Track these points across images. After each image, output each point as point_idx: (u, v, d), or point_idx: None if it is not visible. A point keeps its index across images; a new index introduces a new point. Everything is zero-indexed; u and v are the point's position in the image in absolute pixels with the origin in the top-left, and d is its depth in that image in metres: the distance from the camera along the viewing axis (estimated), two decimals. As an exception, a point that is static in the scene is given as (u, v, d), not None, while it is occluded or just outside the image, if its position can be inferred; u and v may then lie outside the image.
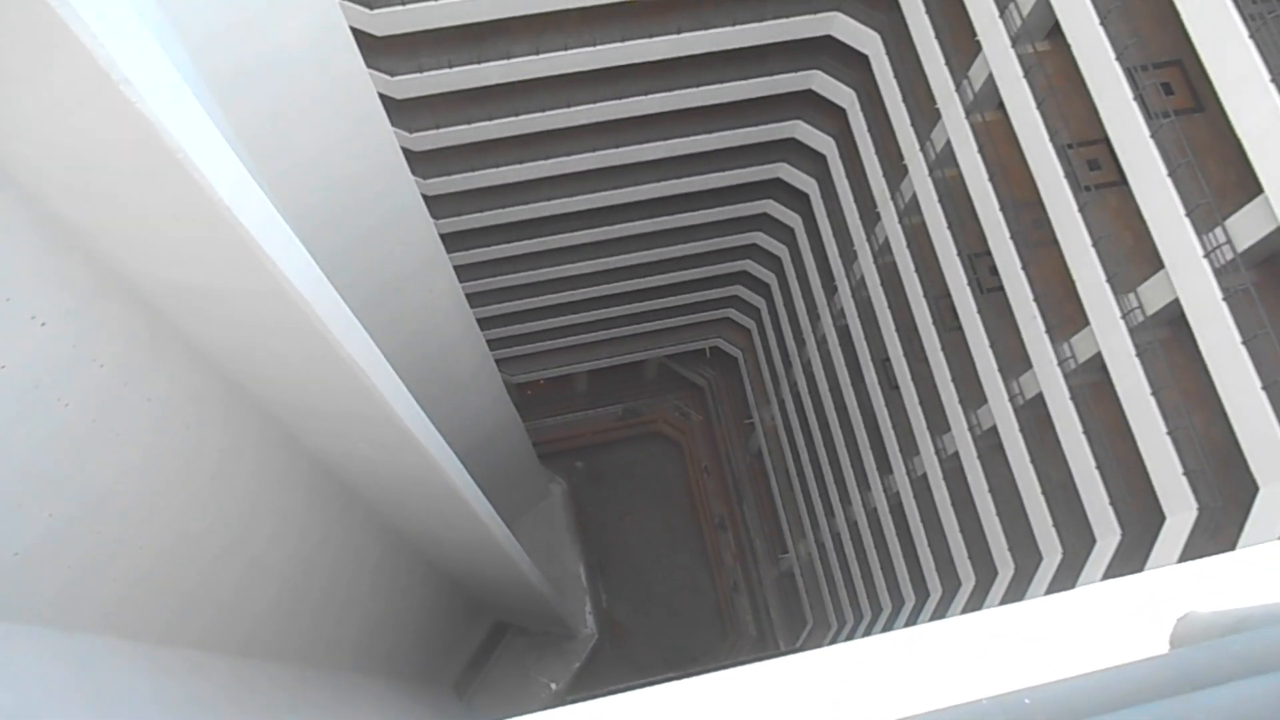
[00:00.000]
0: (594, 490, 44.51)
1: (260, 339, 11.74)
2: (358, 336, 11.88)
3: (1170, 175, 15.23)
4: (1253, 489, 14.41)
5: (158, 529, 12.27)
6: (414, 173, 23.83)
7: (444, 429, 16.41)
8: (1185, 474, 15.84)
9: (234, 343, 11.72)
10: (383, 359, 12.92)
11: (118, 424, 10.45)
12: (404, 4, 22.73)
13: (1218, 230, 14.76)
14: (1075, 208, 17.56)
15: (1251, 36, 13.38)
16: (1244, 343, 14.30)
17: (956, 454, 23.95)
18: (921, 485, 26.42)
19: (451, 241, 30.10)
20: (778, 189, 33.89)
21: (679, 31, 25.75)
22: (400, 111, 26.20)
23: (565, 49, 25.49)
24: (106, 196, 8.57)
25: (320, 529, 17.99)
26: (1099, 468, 18.21)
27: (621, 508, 44.20)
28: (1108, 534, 18.17)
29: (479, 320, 28.71)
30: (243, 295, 10.28)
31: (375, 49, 24.02)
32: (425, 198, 23.28)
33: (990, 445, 22.43)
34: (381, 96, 19.31)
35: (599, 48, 25.63)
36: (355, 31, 17.40)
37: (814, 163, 31.29)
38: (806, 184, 31.86)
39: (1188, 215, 15.03)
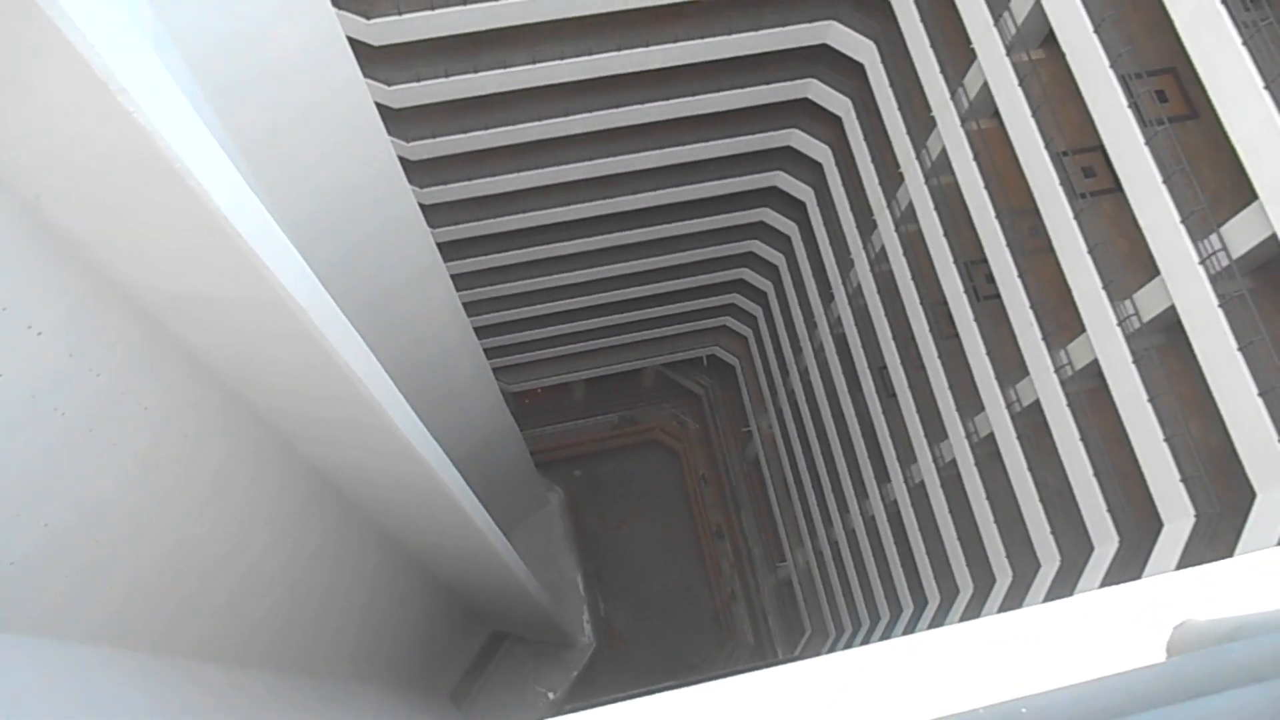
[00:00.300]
0: (591, 499, 44.44)
1: (257, 347, 11.74)
2: (354, 345, 11.88)
3: (1165, 182, 15.28)
4: (1250, 495, 14.42)
5: (155, 537, 12.24)
6: (410, 182, 23.84)
7: (441, 437, 16.40)
8: (1182, 481, 15.86)
9: (231, 351, 11.72)
10: (379, 367, 12.92)
11: (115, 433, 10.44)
12: (400, 14, 22.77)
13: (1213, 237, 14.81)
14: (1071, 215, 17.61)
15: (1245, 44, 13.44)
16: (1240, 349, 14.34)
17: (954, 462, 23.95)
18: (919, 493, 26.42)
19: (448, 250, 30.11)
20: (774, 197, 33.94)
21: (675, 40, 25.81)
22: (397, 120, 26.23)
23: (562, 58, 25.54)
24: (103, 205, 8.57)
25: (318, 536, 17.96)
26: (1096, 475, 18.23)
27: (619, 516, 44.13)
28: (1105, 541, 18.17)
29: (476, 329, 28.71)
30: (240, 304, 10.28)
31: (372, 58, 24.05)
32: (422, 207, 23.30)
33: (988, 453, 22.44)
34: (378, 105, 19.33)
35: (595, 57, 25.68)
36: (352, 41, 17.45)
37: (810, 171, 31.35)
38: (803, 192, 31.91)
39: (1183, 222, 15.07)
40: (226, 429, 13.08)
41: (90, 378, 9.62)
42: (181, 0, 12.10)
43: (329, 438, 15.07)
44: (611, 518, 44.01)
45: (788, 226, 34.13)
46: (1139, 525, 17.61)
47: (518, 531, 38.96)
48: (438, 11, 22.97)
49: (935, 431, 24.78)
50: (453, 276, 24.49)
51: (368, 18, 22.68)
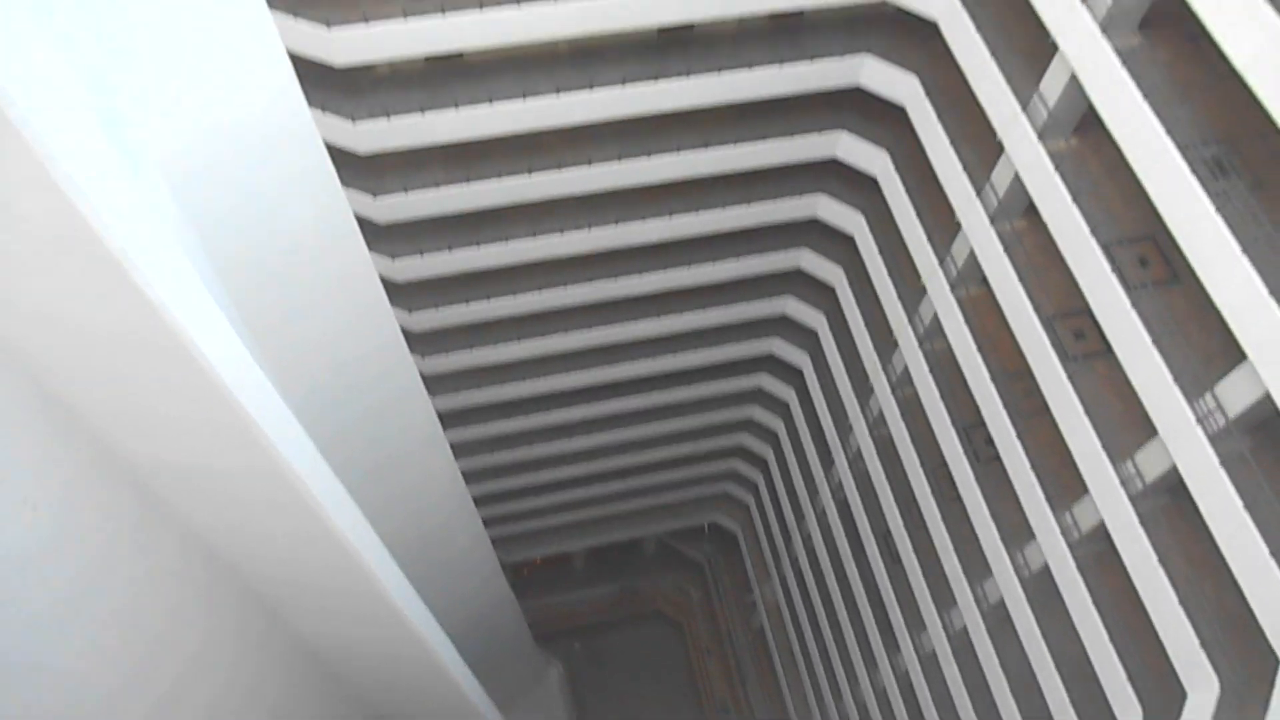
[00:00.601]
0: (592, 672, 42.91)
1: (254, 517, 11.61)
2: (352, 516, 11.76)
3: (1155, 343, 15.42)
4: (1274, 661, 13.90)
5: (129, 714, 11.72)
6: (412, 350, 24.18)
7: (436, 608, 16.00)
8: (1203, 646, 15.31)
9: (227, 521, 11.58)
10: (376, 538, 12.74)
11: (99, 607, 10.17)
12: (406, 191, 23.70)
13: (1207, 396, 14.85)
14: (1064, 377, 17.72)
15: (1219, 211, 13.85)
16: (1246, 508, 14.13)
17: (965, 629, 23.22)
18: (931, 663, 25.48)
19: (448, 420, 30.23)
20: (771, 364, 34.36)
21: (671, 214, 26.74)
22: (400, 293, 26.87)
23: (560, 232, 26.40)
24: (108, 377, 8.67)
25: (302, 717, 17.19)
26: (1113, 642, 17.62)
27: (621, 691, 42.49)
28: (1129, 713, 17.38)
29: (474, 498, 28.45)
30: (239, 474, 10.24)
31: (377, 233, 24.86)
32: (423, 377, 23.52)
33: (999, 619, 21.79)
34: (381, 277, 19.81)
35: (593, 230, 26.53)
36: (359, 218, 18.06)
37: (806, 337, 31.86)
38: (799, 359, 32.32)
39: (1176, 382, 15.12)
40: (213, 601, 12.75)
41: (78, 550, 9.45)
42: (195, 176, 12.60)
43: (321, 608, 14.68)
44: (613, 692, 42.36)
45: (785, 392, 34.38)
46: (1162, 692, 16.89)
47: (516, 708, 37.29)
48: (442, 190, 23.91)
49: (944, 598, 24.14)
50: (452, 445, 24.47)
51: (375, 195, 23.59)
